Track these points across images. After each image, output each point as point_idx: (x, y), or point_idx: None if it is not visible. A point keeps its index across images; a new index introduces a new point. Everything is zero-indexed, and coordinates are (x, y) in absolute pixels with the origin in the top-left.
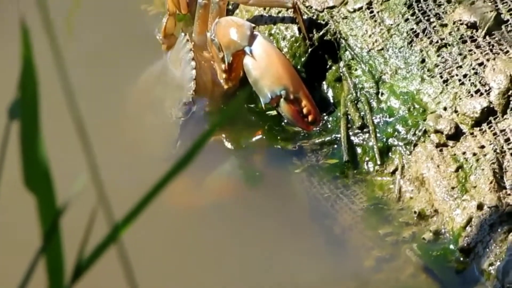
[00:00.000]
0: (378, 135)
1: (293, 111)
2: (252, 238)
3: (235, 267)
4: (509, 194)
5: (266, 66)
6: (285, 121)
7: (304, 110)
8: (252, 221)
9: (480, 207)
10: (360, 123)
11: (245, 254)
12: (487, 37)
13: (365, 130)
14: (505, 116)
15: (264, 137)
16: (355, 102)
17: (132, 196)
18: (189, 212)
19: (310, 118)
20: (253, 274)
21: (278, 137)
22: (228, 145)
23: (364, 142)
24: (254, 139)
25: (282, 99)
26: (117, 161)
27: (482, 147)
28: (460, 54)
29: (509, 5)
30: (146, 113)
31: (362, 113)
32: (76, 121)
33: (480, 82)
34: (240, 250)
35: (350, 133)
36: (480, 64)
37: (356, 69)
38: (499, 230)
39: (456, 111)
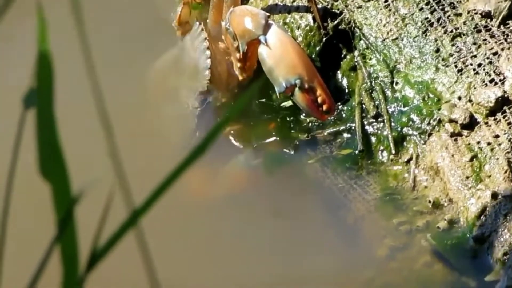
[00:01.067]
0: (392, 124)
1: (308, 100)
2: (265, 228)
3: (249, 256)
4: None
5: (281, 55)
6: (299, 111)
7: (319, 99)
8: (266, 211)
9: (494, 196)
10: (374, 113)
11: (258, 244)
12: (502, 27)
13: (379, 119)
14: None
15: (277, 129)
16: (370, 91)
17: (149, 184)
18: (204, 202)
19: (324, 107)
20: (266, 264)
21: (292, 128)
22: (243, 137)
23: (379, 132)
24: (268, 130)
25: (297, 88)
26: (135, 149)
27: (497, 136)
28: (474, 44)
29: None
30: (163, 102)
31: (377, 102)
32: (100, 109)
33: (494, 72)
34: (253, 239)
35: (365, 123)
36: (495, 54)
37: (370, 59)
38: None
39: (470, 101)
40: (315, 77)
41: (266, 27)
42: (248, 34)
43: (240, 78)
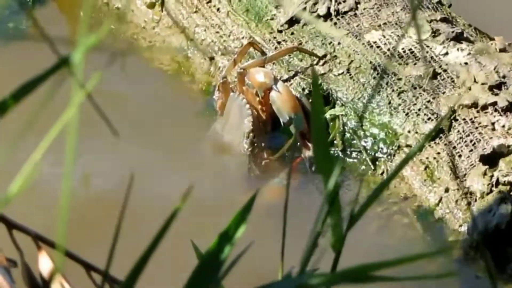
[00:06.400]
0: (368, 151)
1: (299, 132)
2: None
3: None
4: (464, 180)
5: (286, 98)
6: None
7: (306, 132)
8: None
9: (447, 190)
10: (342, 147)
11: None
12: (429, 84)
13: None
14: (450, 133)
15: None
16: (343, 133)
17: None
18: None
19: (307, 136)
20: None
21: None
22: (279, 166)
23: (359, 156)
24: (295, 163)
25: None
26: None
27: (438, 153)
28: (414, 96)
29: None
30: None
31: (354, 141)
32: None
33: (430, 113)
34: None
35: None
36: (428, 101)
37: (346, 113)
38: (461, 203)
39: (417, 132)
40: (305, 117)
41: (276, 80)
42: (264, 85)
43: (264, 117)
